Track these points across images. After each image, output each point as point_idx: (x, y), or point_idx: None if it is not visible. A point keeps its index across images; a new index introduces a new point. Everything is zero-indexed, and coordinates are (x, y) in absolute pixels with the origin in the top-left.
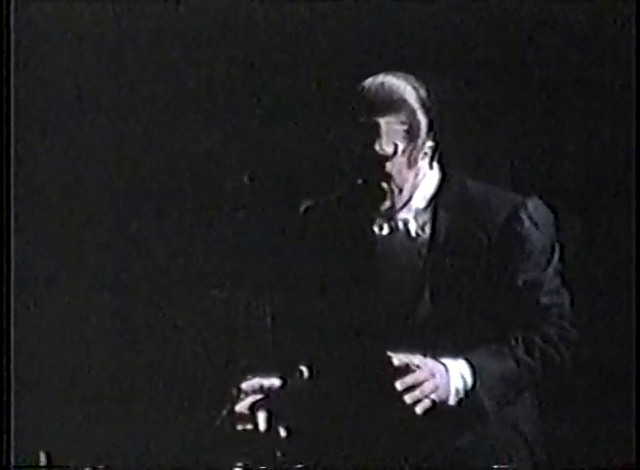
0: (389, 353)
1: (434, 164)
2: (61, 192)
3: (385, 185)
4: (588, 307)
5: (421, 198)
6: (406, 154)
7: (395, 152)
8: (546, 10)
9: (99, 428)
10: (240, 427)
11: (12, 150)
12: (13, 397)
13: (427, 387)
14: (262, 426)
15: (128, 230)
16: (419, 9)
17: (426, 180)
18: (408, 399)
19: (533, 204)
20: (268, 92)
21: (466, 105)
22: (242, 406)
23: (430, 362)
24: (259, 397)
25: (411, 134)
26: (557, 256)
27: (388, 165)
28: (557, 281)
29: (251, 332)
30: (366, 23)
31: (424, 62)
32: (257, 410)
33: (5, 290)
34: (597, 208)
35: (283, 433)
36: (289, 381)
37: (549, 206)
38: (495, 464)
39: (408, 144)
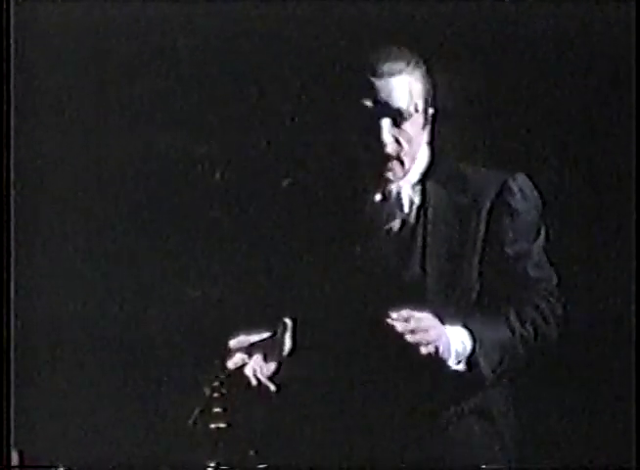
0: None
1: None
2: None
3: (404, 146)
4: (572, 289)
5: (416, 172)
6: (421, 116)
7: (417, 110)
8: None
9: (73, 427)
10: (213, 425)
11: (12, 150)
12: (13, 396)
13: (432, 333)
14: (253, 381)
15: (102, 231)
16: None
17: (421, 153)
18: (410, 338)
19: (522, 178)
20: (254, 83)
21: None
22: (232, 363)
23: (432, 318)
24: (246, 354)
25: (425, 94)
26: (543, 232)
27: (408, 126)
28: (544, 256)
29: (225, 331)
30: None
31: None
32: (245, 367)
33: (5, 290)
34: (586, 195)
35: (273, 388)
36: (274, 334)
37: (535, 185)
38: (473, 462)
39: (424, 105)
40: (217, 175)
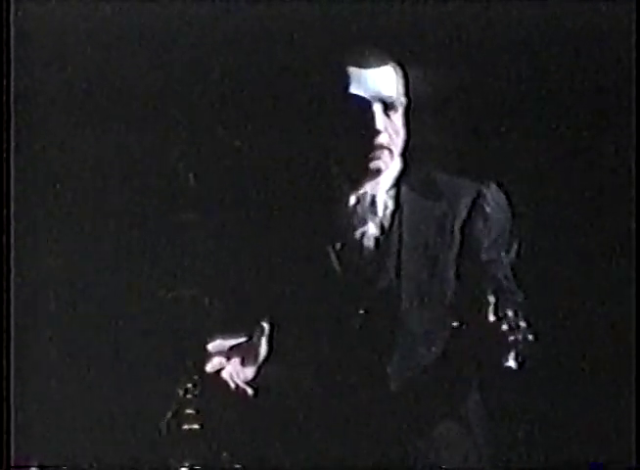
0: None
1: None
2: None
3: (393, 137)
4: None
5: (390, 177)
6: (403, 115)
7: (402, 104)
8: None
9: (53, 428)
10: (186, 426)
11: (12, 150)
12: (13, 397)
13: None
14: (231, 385)
15: (77, 233)
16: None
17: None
18: None
19: (495, 187)
20: (230, 83)
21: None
22: (211, 366)
23: None
24: (225, 358)
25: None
26: (515, 246)
27: (396, 118)
28: (510, 272)
29: (198, 333)
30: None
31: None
32: (223, 371)
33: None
34: (557, 207)
35: (250, 392)
36: (250, 339)
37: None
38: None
39: (406, 102)
40: (191, 177)
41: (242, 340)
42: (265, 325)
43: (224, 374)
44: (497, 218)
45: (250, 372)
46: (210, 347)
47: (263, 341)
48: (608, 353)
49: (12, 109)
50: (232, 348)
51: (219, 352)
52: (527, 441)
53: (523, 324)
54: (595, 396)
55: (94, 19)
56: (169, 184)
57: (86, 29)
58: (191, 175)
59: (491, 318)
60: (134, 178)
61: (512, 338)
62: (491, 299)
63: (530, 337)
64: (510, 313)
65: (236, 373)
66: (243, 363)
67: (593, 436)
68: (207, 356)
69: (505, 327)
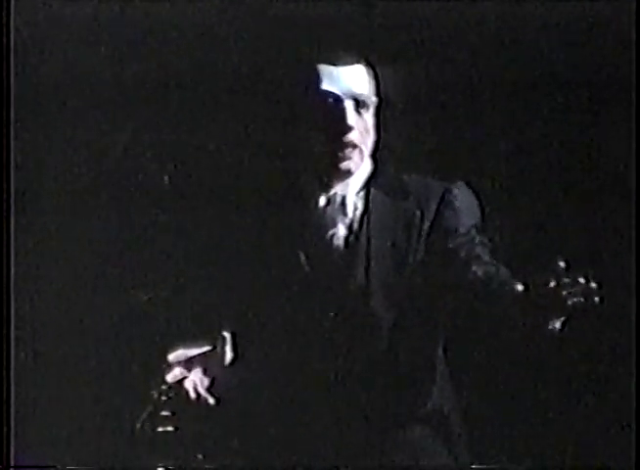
0: None
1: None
2: None
3: (364, 135)
4: None
5: (360, 178)
6: (373, 116)
7: (373, 103)
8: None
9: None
10: (161, 428)
11: (12, 149)
12: (13, 397)
13: None
14: (192, 395)
15: (50, 232)
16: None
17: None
18: None
19: (464, 185)
20: (203, 83)
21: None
22: (172, 376)
23: None
24: (185, 368)
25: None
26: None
27: (367, 116)
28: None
29: (172, 335)
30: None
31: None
32: (185, 380)
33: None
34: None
35: (212, 401)
36: (213, 348)
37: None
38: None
39: (377, 102)
40: (166, 179)
41: (205, 349)
42: (226, 334)
43: (186, 384)
44: (467, 213)
45: (213, 380)
46: (171, 357)
47: (227, 348)
48: (606, 356)
49: (12, 109)
50: (194, 357)
51: (180, 362)
52: (527, 442)
53: None
54: (595, 396)
55: (94, 19)
56: (144, 185)
57: (86, 29)
58: (166, 177)
59: None
60: (107, 179)
61: None
62: None
63: None
64: None
65: (199, 381)
66: (205, 373)
67: (593, 437)
68: (168, 366)
69: None
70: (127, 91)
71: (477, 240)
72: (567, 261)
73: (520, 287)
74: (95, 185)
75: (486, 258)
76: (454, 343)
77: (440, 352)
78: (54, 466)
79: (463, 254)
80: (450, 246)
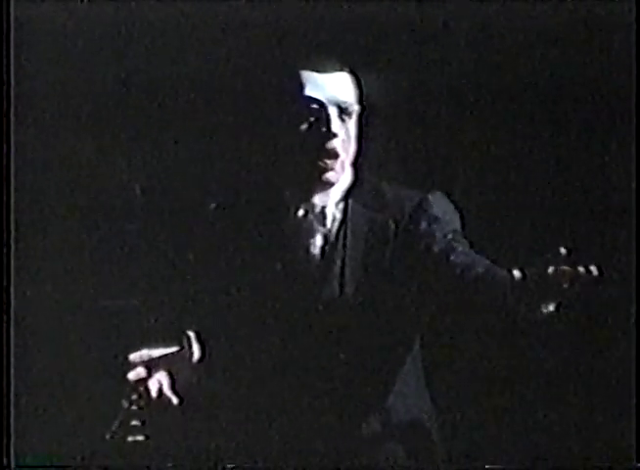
0: None
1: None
2: None
3: (347, 143)
4: None
5: (339, 190)
6: (356, 124)
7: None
8: None
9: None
10: (130, 438)
11: (12, 149)
12: (13, 397)
13: None
14: (154, 394)
15: (22, 241)
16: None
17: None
18: None
19: (440, 194)
20: (180, 92)
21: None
22: (133, 375)
23: None
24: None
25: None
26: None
27: (350, 124)
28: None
29: (130, 344)
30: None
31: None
32: (148, 380)
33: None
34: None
35: (175, 401)
36: (178, 349)
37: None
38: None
39: (360, 111)
40: (137, 189)
41: (171, 350)
42: (191, 333)
43: (150, 384)
44: (445, 220)
45: (179, 380)
46: (132, 356)
47: (194, 347)
48: (606, 354)
49: (12, 109)
50: (159, 358)
51: (142, 362)
52: (527, 441)
53: None
54: (594, 396)
55: (94, 19)
56: (116, 194)
57: (86, 29)
58: (137, 186)
59: None
60: (76, 186)
61: None
62: None
63: None
64: None
65: (165, 381)
66: (171, 373)
67: (593, 435)
68: (130, 366)
69: None
70: (103, 98)
71: (455, 245)
72: (567, 249)
73: (517, 273)
74: (64, 191)
75: (465, 251)
76: (431, 348)
77: (419, 362)
78: (55, 466)
79: (441, 259)
80: (427, 253)
